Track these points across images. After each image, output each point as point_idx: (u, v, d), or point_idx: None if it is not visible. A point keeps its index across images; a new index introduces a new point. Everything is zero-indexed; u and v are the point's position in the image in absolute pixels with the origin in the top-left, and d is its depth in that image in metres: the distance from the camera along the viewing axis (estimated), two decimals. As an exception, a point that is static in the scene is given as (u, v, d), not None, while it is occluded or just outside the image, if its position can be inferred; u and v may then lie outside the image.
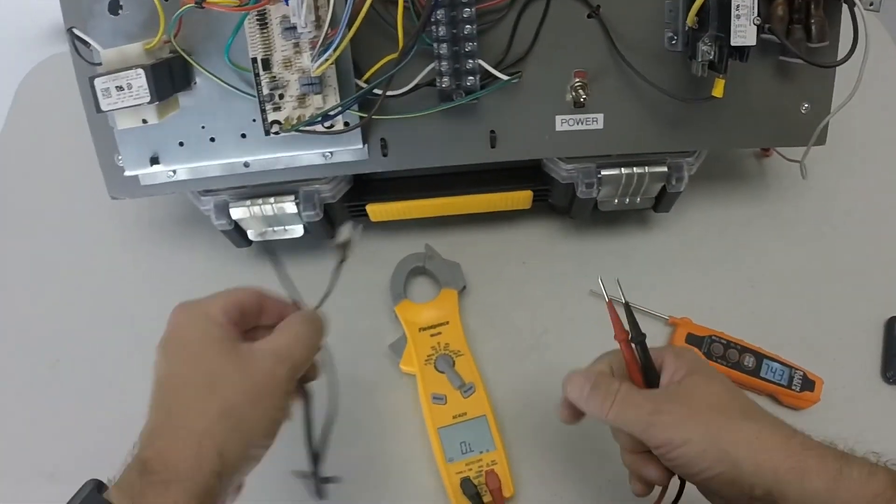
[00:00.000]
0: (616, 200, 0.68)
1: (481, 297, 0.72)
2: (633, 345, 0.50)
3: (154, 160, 0.62)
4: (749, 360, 0.66)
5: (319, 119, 0.56)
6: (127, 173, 0.62)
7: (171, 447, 0.39)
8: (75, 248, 0.79)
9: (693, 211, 0.78)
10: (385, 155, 0.62)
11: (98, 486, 0.39)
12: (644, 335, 0.50)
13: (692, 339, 0.67)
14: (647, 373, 0.49)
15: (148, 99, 0.53)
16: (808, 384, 0.65)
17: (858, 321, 0.71)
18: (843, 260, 0.75)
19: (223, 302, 0.45)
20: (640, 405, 0.45)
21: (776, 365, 0.66)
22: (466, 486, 0.60)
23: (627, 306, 0.51)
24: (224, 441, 0.39)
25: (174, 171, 0.62)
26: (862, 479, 0.39)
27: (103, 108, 0.53)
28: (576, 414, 0.50)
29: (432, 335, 0.67)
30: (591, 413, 0.47)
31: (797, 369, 0.66)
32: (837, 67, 0.60)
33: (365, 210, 0.68)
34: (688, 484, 0.47)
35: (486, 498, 0.60)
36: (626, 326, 0.50)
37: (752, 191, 0.80)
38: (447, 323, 0.67)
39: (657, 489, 0.49)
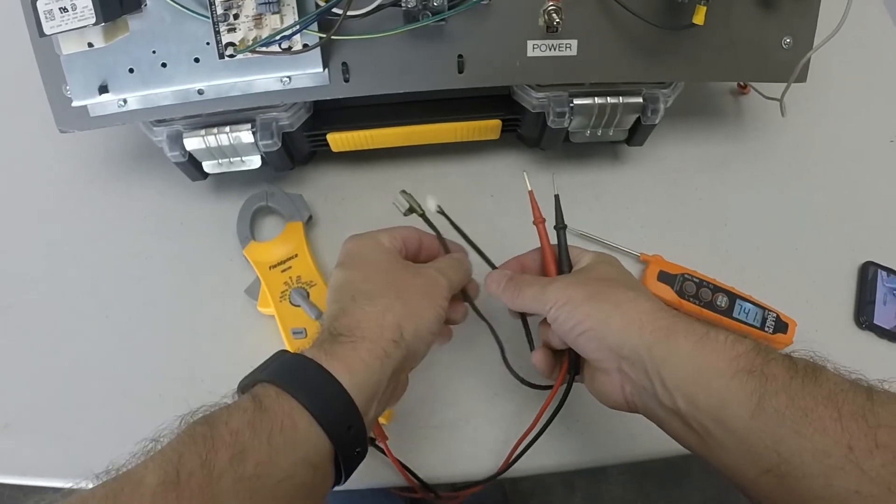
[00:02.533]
0: (588, 132, 0.66)
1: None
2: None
3: (103, 89, 0.58)
4: (722, 300, 0.65)
5: (277, 39, 0.53)
6: (75, 104, 0.59)
7: (357, 319, 0.45)
8: (25, 187, 0.75)
9: (667, 147, 0.76)
10: (347, 80, 0.59)
11: (285, 351, 0.45)
12: (566, 225, 0.54)
13: (664, 277, 0.66)
14: (560, 261, 0.53)
15: (93, 20, 0.50)
16: (782, 326, 0.65)
17: (833, 265, 0.71)
18: (819, 202, 0.75)
19: (390, 234, 0.53)
20: (538, 282, 0.50)
21: (749, 306, 0.65)
22: None
23: (556, 198, 0.54)
24: (402, 316, 0.45)
25: (124, 101, 0.60)
26: (728, 342, 0.40)
27: (46, 31, 0.51)
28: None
29: (283, 271, 0.65)
30: (505, 300, 0.52)
31: (770, 311, 0.66)
32: (822, 1, 0.58)
33: (326, 140, 0.65)
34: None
35: None
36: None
37: (729, 129, 0.79)
38: (296, 256, 0.66)
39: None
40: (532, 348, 0.55)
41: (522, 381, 0.56)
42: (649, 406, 0.44)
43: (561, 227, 0.54)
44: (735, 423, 0.37)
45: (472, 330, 0.57)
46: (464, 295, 0.56)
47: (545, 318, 0.49)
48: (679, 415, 0.41)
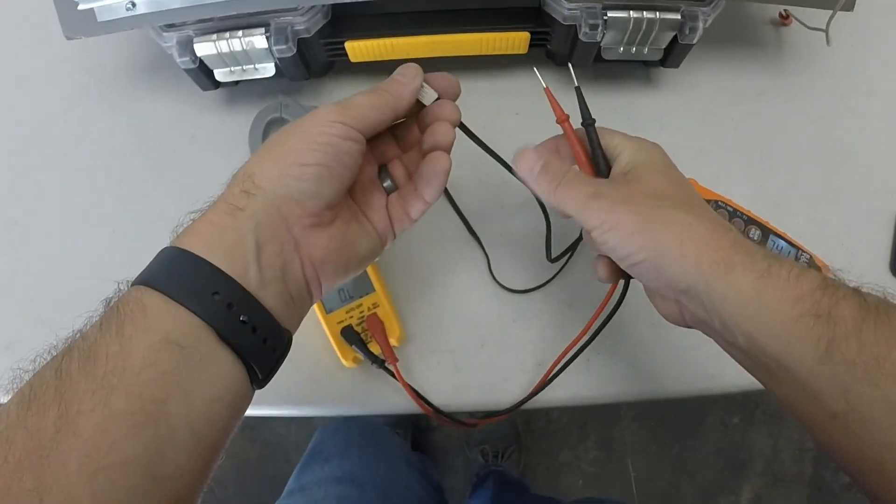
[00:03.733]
0: (622, 48, 0.62)
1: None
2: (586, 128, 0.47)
3: (110, -11, 0.55)
4: (755, 233, 0.62)
5: (292, -70, 0.50)
6: (81, 6, 0.57)
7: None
8: (33, 99, 0.72)
9: (703, 74, 0.72)
10: (367, -19, 0.55)
11: None
12: (594, 119, 0.47)
13: (696, 202, 0.62)
14: (595, 160, 0.47)
15: None
16: (814, 268, 0.61)
17: (871, 209, 0.67)
18: (860, 142, 0.70)
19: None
20: (581, 189, 0.43)
21: (782, 243, 0.62)
22: (348, 334, 0.57)
23: (578, 90, 0.48)
24: (252, 165, 0.40)
25: (133, 3, 0.57)
26: (791, 278, 0.37)
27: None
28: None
29: None
30: (538, 191, 0.46)
31: (804, 251, 0.62)
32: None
33: (344, 49, 0.62)
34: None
35: (374, 347, 0.57)
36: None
37: (769, 60, 0.74)
38: None
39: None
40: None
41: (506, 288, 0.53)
42: (711, 335, 0.42)
43: (589, 122, 0.47)
44: (800, 368, 0.35)
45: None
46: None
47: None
48: (741, 349, 0.39)
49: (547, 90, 0.48)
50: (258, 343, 0.36)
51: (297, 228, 0.39)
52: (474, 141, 0.50)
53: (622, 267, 0.43)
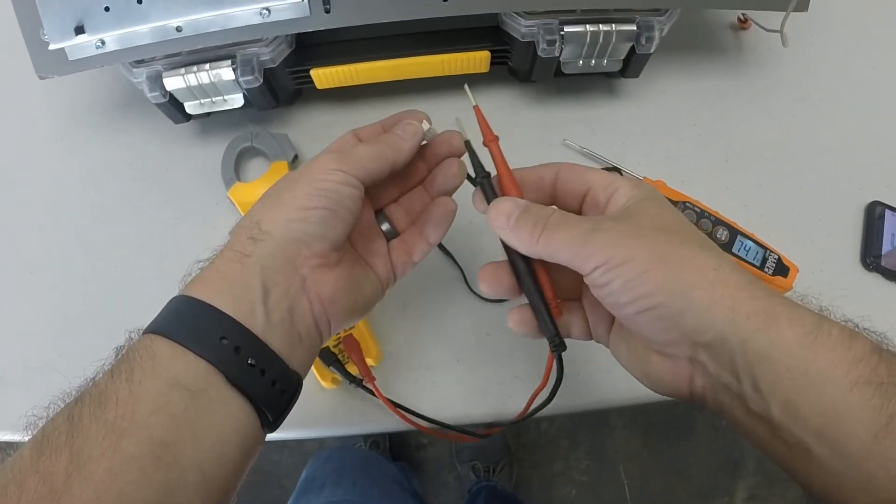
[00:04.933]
0: (581, 62, 0.64)
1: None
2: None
3: (79, 30, 0.58)
4: (722, 234, 0.63)
5: (250, -35, 0.51)
6: (52, 47, 0.58)
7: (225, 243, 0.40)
8: (7, 138, 0.73)
9: (665, 82, 0.73)
10: (328, 11, 0.57)
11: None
12: (487, 173, 0.44)
13: (666, 204, 0.63)
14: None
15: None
16: (782, 269, 0.63)
17: (839, 204, 0.69)
18: (822, 139, 0.72)
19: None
20: (575, 226, 0.37)
21: (750, 243, 0.63)
22: (325, 356, 0.57)
23: (476, 108, 0.45)
24: (258, 212, 0.40)
25: (102, 42, 0.58)
26: (844, 337, 0.31)
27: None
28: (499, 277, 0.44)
29: None
30: (518, 241, 0.40)
31: (773, 252, 0.63)
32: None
33: (310, 76, 0.63)
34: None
35: (352, 368, 0.57)
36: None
37: (728, 64, 0.76)
38: None
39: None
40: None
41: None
42: (727, 405, 0.35)
43: (483, 175, 0.45)
44: (850, 445, 0.30)
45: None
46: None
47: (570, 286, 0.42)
48: (770, 424, 0.32)
49: (476, 108, 0.46)
50: (267, 385, 0.36)
51: (304, 269, 0.40)
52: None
53: (620, 316, 0.37)
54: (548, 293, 0.43)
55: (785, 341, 0.32)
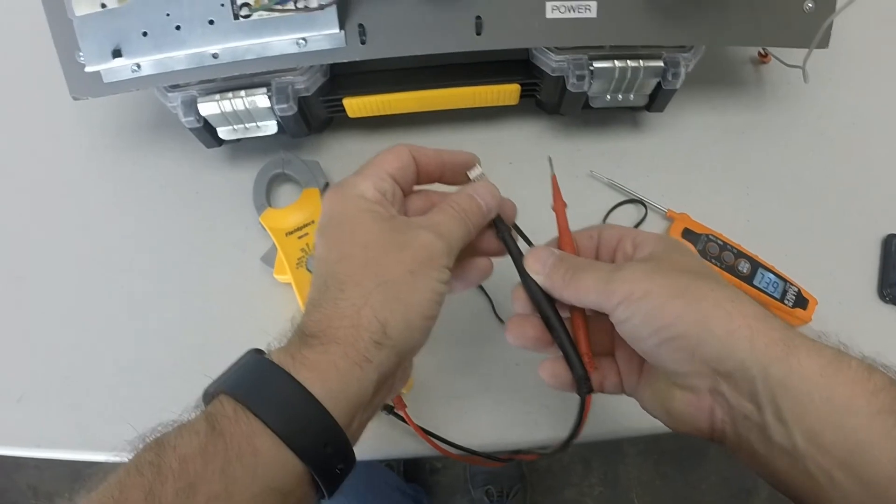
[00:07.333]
0: (609, 96, 0.65)
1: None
2: None
3: (116, 53, 0.58)
4: (744, 266, 0.64)
5: (292, -3, 0.52)
6: (88, 69, 0.59)
7: (329, 316, 0.38)
8: (39, 158, 0.74)
9: (688, 116, 0.74)
10: (363, 42, 0.58)
11: (258, 351, 0.39)
12: (509, 227, 0.47)
13: (688, 235, 0.65)
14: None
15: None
16: (802, 301, 0.64)
17: (856, 236, 0.69)
18: (842, 173, 0.73)
19: (375, 174, 0.43)
20: (601, 267, 0.41)
21: (771, 276, 0.64)
22: None
23: (553, 179, 0.48)
24: (383, 310, 0.38)
25: (138, 66, 0.59)
26: (862, 370, 0.32)
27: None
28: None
29: (300, 237, 0.64)
30: (551, 284, 0.43)
31: (792, 284, 0.64)
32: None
33: (342, 105, 0.64)
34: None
35: None
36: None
37: (749, 98, 0.77)
38: (312, 223, 0.64)
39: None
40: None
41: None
42: (747, 438, 0.36)
43: (504, 230, 0.47)
44: (873, 473, 0.30)
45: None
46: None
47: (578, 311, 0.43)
48: (793, 454, 0.33)
49: (553, 178, 0.49)
50: (341, 481, 0.37)
51: (401, 370, 0.41)
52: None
53: (643, 351, 0.39)
54: (583, 347, 0.44)
55: (806, 370, 0.32)
